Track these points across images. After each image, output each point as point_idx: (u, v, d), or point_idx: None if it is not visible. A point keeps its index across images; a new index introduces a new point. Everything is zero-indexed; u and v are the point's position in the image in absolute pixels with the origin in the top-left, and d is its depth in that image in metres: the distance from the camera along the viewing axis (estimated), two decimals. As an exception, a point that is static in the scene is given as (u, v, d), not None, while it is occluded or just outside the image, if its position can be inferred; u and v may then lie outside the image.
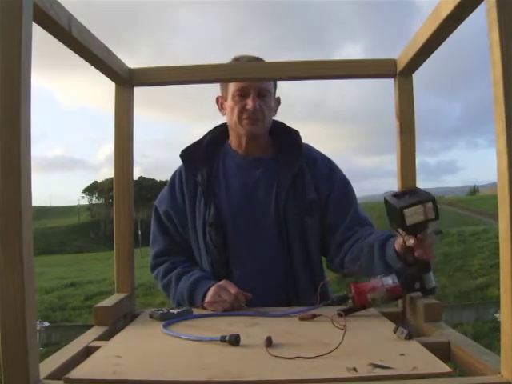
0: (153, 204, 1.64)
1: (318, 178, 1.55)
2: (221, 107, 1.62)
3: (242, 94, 1.51)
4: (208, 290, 1.40)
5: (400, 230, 1.23)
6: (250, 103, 1.50)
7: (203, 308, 1.38)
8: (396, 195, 1.23)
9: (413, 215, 1.17)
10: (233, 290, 1.37)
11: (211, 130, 1.65)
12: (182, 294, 1.46)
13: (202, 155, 1.57)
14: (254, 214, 1.51)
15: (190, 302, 1.44)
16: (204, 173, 1.54)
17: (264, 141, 1.60)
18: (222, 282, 1.40)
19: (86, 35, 1.12)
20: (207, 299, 1.38)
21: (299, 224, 1.50)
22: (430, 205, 1.17)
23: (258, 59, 1.56)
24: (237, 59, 1.56)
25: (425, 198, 1.19)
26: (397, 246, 1.30)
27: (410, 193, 1.22)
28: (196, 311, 1.34)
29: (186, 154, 1.59)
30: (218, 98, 1.63)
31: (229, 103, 1.55)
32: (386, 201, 1.24)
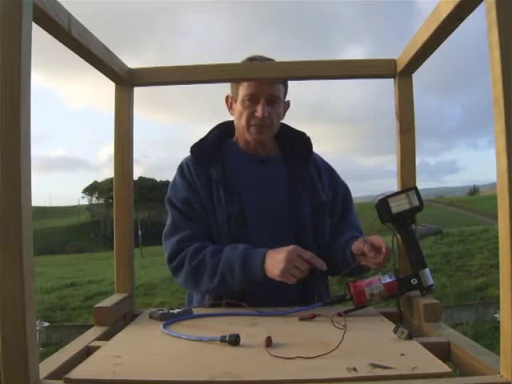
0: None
1: (323, 185, 1.60)
2: (230, 107, 1.62)
3: (252, 100, 1.50)
4: (265, 254, 1.34)
5: (389, 225, 1.27)
6: (259, 110, 1.49)
7: (265, 277, 1.32)
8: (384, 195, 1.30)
9: (398, 205, 1.24)
10: (306, 255, 1.30)
11: (215, 128, 1.64)
12: (232, 262, 1.37)
13: (209, 152, 1.57)
14: (270, 211, 1.51)
15: (244, 269, 1.35)
16: (218, 168, 1.52)
17: (269, 143, 1.61)
18: (291, 247, 1.32)
19: (85, 35, 1.12)
20: (281, 266, 1.29)
21: (312, 222, 1.52)
22: (412, 192, 1.25)
23: (271, 60, 1.55)
24: (250, 59, 1.55)
25: (408, 188, 1.27)
26: (353, 247, 1.37)
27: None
28: (196, 311, 1.34)
29: (195, 150, 1.59)
30: (227, 98, 1.62)
31: (238, 106, 1.54)
32: (376, 204, 1.28)
